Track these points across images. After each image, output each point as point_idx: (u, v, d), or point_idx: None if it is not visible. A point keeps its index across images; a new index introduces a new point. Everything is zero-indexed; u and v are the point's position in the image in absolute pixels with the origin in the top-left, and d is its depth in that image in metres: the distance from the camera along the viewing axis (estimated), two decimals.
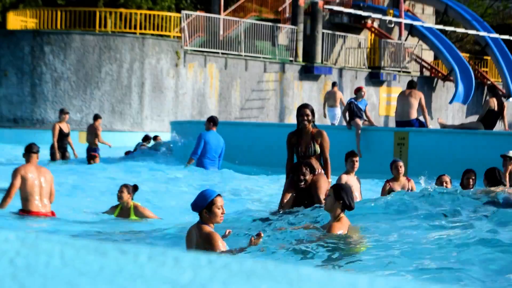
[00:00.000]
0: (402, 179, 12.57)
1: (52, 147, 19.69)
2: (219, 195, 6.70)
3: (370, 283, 1.55)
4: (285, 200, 9.81)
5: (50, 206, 10.68)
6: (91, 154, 19.43)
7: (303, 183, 9.75)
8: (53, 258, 1.57)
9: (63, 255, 1.60)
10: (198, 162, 16.34)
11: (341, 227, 7.52)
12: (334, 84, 26.62)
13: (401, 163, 12.66)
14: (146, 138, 22.54)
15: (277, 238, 7.75)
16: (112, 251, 1.64)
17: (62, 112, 20.25)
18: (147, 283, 1.48)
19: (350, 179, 12.30)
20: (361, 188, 12.36)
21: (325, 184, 9.75)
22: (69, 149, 20.04)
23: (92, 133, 20.93)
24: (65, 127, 19.96)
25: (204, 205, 6.54)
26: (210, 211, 6.53)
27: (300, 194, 9.81)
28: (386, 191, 12.58)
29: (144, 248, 1.70)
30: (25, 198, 10.56)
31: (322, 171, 10.16)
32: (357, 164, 12.08)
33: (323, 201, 9.12)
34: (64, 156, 19.77)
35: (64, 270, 1.51)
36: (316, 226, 7.98)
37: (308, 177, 9.78)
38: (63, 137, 19.81)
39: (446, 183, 12.19)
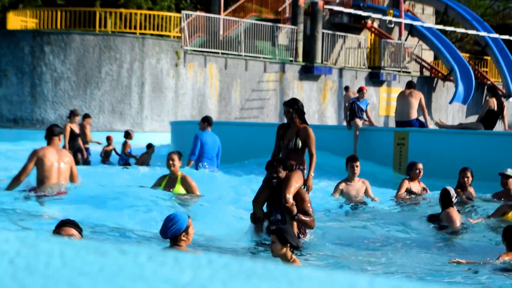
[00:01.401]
0: (419, 181, 12.84)
1: (63, 148, 19.67)
2: (188, 216, 7.01)
3: (370, 283, 1.55)
4: (259, 198, 9.83)
5: (67, 191, 10.58)
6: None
7: (275, 180, 9.75)
8: (53, 258, 1.57)
9: (63, 255, 1.60)
10: (197, 162, 16.33)
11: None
12: (347, 88, 26.29)
13: (421, 166, 12.85)
14: (127, 134, 21.98)
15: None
16: (112, 251, 1.64)
17: (74, 113, 20.23)
18: (147, 283, 1.48)
19: (351, 186, 12.26)
20: (372, 189, 12.50)
21: (295, 181, 9.69)
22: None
23: (81, 132, 20.88)
24: (76, 128, 19.99)
25: (182, 229, 6.78)
26: (187, 234, 6.82)
27: (274, 191, 9.79)
28: (404, 190, 12.78)
29: (144, 248, 1.70)
30: (41, 180, 10.44)
31: (300, 168, 10.21)
32: (357, 169, 12.10)
33: (287, 198, 9.38)
34: (75, 157, 19.79)
35: (64, 270, 1.51)
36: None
37: (281, 174, 9.76)
38: (74, 138, 19.82)
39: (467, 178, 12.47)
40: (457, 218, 10.54)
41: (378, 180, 15.94)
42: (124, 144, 21.39)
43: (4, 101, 28.21)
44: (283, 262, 7.25)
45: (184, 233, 6.78)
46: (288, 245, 7.20)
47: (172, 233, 6.79)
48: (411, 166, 13.01)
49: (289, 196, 9.49)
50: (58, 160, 10.47)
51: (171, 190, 11.41)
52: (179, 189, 11.32)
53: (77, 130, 19.98)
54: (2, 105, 28.23)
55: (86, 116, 21.41)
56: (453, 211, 10.57)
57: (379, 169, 17.71)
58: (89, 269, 1.53)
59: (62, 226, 6.02)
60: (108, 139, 21.85)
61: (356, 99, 19.12)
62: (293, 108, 10.44)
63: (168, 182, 11.35)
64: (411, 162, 13.34)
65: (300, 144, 10.33)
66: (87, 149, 20.27)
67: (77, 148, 19.69)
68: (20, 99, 28.08)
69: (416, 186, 12.97)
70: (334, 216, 11.54)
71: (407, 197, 12.78)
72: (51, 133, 10.59)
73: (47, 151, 10.46)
